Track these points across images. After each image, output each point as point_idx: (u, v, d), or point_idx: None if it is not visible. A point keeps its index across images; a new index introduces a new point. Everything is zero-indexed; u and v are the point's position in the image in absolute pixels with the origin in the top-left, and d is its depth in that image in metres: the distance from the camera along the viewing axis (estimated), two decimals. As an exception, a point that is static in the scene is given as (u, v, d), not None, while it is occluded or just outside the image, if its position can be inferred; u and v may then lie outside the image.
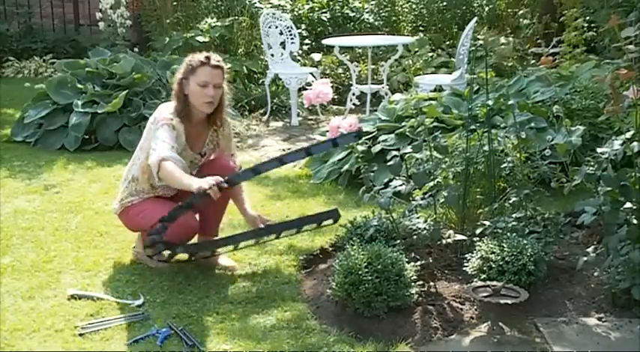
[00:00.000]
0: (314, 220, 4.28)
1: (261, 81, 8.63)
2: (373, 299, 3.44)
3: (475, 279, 3.61)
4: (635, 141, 3.58)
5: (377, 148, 5.44)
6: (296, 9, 10.05)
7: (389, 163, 4.04)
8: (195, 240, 4.19)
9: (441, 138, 4.14)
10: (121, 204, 4.12)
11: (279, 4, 9.63)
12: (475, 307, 3.55)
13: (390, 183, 3.97)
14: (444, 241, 3.82)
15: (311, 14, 10.18)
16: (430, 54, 9.21)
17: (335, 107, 8.49)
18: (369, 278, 3.43)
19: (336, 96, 8.11)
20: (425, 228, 3.74)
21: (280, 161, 4.07)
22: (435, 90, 7.09)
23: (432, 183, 3.94)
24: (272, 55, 8.22)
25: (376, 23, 10.31)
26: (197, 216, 4.06)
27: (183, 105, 3.97)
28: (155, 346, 3.31)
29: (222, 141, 4.18)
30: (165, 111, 4.01)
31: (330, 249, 4.35)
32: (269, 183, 5.68)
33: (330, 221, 4.21)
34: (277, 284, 3.93)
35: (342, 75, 8.96)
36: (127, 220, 4.15)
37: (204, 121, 4.07)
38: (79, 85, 7.03)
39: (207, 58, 3.96)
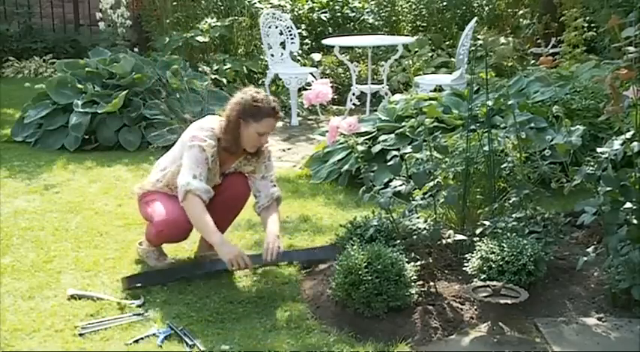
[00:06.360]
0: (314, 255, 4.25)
1: (261, 81, 8.62)
2: (373, 299, 3.43)
3: (475, 279, 3.60)
4: (635, 141, 3.58)
5: (377, 148, 5.44)
6: (296, 9, 10.05)
7: (389, 163, 4.04)
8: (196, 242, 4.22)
9: (441, 138, 4.13)
10: (141, 187, 4.17)
11: (279, 4, 9.63)
12: (475, 307, 3.55)
13: (390, 183, 3.97)
14: (444, 241, 3.82)
15: (311, 14, 10.19)
16: (430, 54, 9.22)
17: (335, 107, 8.49)
18: (369, 278, 3.43)
19: (336, 96, 8.12)
20: (425, 228, 3.74)
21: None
22: (435, 90, 7.09)
23: (432, 183, 3.93)
24: (272, 55, 8.22)
25: (376, 23, 10.31)
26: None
27: (233, 141, 3.94)
28: (155, 346, 3.31)
29: (251, 166, 4.12)
30: (206, 130, 3.95)
31: (330, 249, 4.35)
32: (269, 183, 5.67)
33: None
34: (277, 284, 3.93)
35: (342, 75, 8.95)
36: (139, 205, 4.17)
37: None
38: (79, 85, 7.02)
39: (275, 109, 3.92)
